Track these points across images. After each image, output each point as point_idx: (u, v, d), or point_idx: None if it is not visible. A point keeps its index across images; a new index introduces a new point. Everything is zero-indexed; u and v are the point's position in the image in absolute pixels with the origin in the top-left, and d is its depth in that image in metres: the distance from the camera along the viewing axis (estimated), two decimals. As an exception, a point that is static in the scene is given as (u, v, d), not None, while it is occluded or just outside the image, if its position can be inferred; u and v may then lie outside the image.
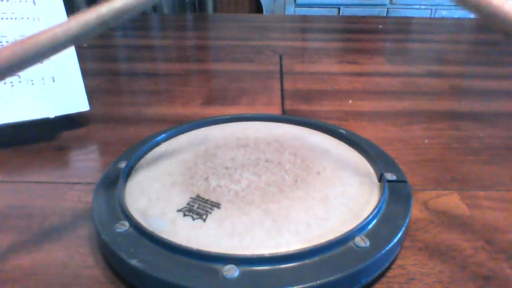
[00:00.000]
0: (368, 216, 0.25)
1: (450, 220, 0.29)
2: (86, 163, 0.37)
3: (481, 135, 0.42)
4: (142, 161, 0.33)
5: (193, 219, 0.25)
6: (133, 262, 0.22)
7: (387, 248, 0.23)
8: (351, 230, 0.24)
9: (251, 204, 0.27)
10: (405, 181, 0.30)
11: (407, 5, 2.13)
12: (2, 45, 0.38)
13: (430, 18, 2.01)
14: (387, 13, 2.15)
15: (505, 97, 0.55)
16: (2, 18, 0.38)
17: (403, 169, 0.32)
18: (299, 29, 1.12)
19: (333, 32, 1.07)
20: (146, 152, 0.34)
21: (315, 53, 0.80)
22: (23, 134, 0.41)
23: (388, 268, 0.24)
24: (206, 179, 0.30)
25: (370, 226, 0.25)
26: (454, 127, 0.44)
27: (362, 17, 1.51)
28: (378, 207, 0.26)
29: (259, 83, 0.60)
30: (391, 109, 0.50)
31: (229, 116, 0.41)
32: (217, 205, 0.27)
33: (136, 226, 0.24)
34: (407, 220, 0.26)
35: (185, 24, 1.19)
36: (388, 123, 0.46)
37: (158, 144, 0.36)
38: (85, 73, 0.42)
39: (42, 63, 0.19)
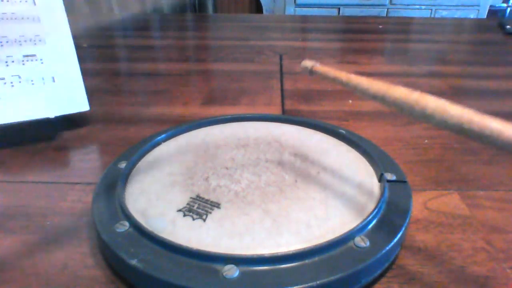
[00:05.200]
0: (368, 216, 0.25)
1: (450, 220, 0.29)
2: (86, 163, 0.37)
3: (481, 135, 0.42)
4: (142, 161, 0.33)
5: (193, 219, 0.25)
6: (133, 262, 0.22)
7: (387, 248, 0.23)
8: (351, 230, 0.24)
9: (251, 204, 0.27)
10: (405, 181, 0.30)
11: (407, 5, 2.13)
12: (2, 45, 0.38)
13: (430, 18, 2.01)
14: (387, 13, 2.15)
15: (505, 97, 0.55)
16: (2, 18, 0.38)
17: (403, 169, 0.32)
18: (299, 29, 1.12)
19: (333, 32, 1.07)
20: (146, 152, 0.34)
21: (315, 53, 0.80)
22: (23, 134, 0.41)
23: (388, 268, 0.24)
24: (206, 179, 0.30)
25: (370, 226, 0.25)
26: (454, 127, 0.44)
27: (362, 17, 1.51)
28: (378, 207, 0.26)
29: (259, 83, 0.60)
30: (391, 109, 0.50)
31: (229, 116, 0.41)
32: (217, 205, 0.27)
33: (136, 226, 0.24)
34: (407, 220, 0.26)
35: (185, 24, 1.19)
36: (388, 123, 0.46)
37: (158, 144, 0.36)
38: (85, 73, 0.42)
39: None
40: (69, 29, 0.41)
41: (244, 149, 0.34)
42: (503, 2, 2.48)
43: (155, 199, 0.27)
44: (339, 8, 2.14)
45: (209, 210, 0.26)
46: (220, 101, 0.53)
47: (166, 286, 0.21)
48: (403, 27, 1.14)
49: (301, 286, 0.21)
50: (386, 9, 2.15)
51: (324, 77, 0.29)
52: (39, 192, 0.32)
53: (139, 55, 0.78)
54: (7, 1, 0.38)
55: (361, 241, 0.23)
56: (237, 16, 1.56)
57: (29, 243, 0.26)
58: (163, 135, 0.36)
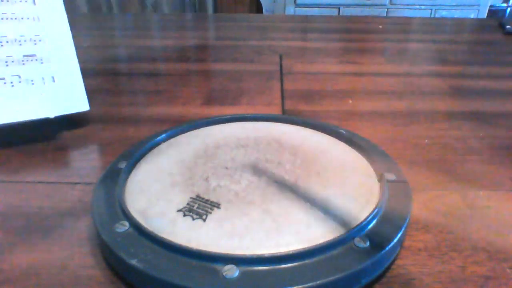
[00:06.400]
0: (368, 216, 0.25)
1: (450, 220, 0.29)
2: (86, 163, 0.37)
3: (481, 135, 0.42)
4: (142, 161, 0.33)
5: (193, 219, 0.25)
6: (133, 262, 0.22)
7: (387, 248, 0.23)
8: (351, 230, 0.24)
9: (251, 204, 0.27)
10: (405, 181, 0.30)
11: (407, 5, 2.13)
12: (2, 45, 0.38)
13: (430, 18, 2.01)
14: (387, 13, 2.15)
15: (505, 97, 0.55)
16: (2, 18, 0.38)
17: (403, 169, 0.32)
18: (299, 29, 1.12)
19: (333, 32, 1.07)
20: (146, 152, 0.34)
21: (315, 53, 0.80)
22: (23, 134, 0.41)
23: (388, 268, 0.24)
24: (206, 179, 0.30)
25: (370, 226, 0.25)
26: (454, 127, 0.44)
27: (362, 17, 1.51)
28: (378, 207, 0.26)
29: (259, 83, 0.60)
30: (391, 109, 0.50)
31: (229, 116, 0.41)
32: (217, 205, 0.27)
33: (136, 226, 0.24)
34: (407, 220, 0.26)
35: (185, 24, 1.19)
36: (388, 123, 0.46)
37: (158, 144, 0.36)
38: (85, 73, 0.42)
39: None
40: (69, 29, 0.41)
41: (244, 149, 0.34)
42: (503, 2, 2.48)
43: (155, 199, 0.27)
44: (339, 8, 2.14)
45: (209, 210, 0.26)
46: (220, 101, 0.53)
47: (166, 286, 0.21)
48: (403, 27, 1.14)
49: (301, 286, 0.21)
50: (386, 9, 2.14)
51: None
52: (39, 192, 0.32)
53: (139, 55, 0.78)
54: (7, 1, 0.38)
55: (361, 241, 0.23)
56: (237, 16, 1.56)
57: (29, 243, 0.26)
58: (163, 135, 0.36)
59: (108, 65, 0.72)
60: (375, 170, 0.31)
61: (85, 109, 0.42)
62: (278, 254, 0.22)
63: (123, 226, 0.24)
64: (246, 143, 0.35)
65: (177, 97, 0.54)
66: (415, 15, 2.12)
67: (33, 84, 0.39)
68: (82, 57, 0.42)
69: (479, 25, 1.21)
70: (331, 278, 0.21)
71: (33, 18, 0.40)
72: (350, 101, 0.52)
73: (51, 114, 0.40)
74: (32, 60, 0.39)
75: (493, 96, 0.55)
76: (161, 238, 0.23)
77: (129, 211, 0.25)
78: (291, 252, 0.22)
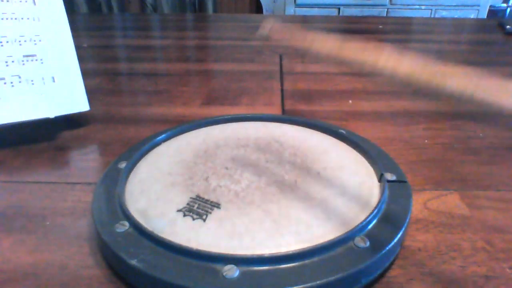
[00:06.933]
0: (368, 216, 0.25)
1: (450, 220, 0.29)
2: (86, 163, 0.37)
3: (481, 135, 0.42)
4: (142, 161, 0.33)
5: (193, 219, 0.25)
6: (133, 262, 0.22)
7: (387, 248, 0.23)
8: (351, 230, 0.24)
9: (251, 205, 0.27)
10: (405, 181, 0.30)
11: (407, 5, 2.13)
12: (2, 45, 0.38)
13: (430, 18, 2.01)
14: (387, 13, 2.15)
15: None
16: (2, 18, 0.38)
17: (403, 169, 0.32)
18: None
19: (333, 32, 1.07)
20: (146, 152, 0.34)
21: (315, 53, 0.80)
22: (23, 134, 0.41)
23: (388, 268, 0.24)
24: (206, 179, 0.30)
25: (370, 226, 0.25)
26: (454, 127, 0.44)
27: (362, 17, 1.51)
28: (378, 207, 0.26)
29: (259, 83, 0.60)
30: (391, 109, 0.50)
31: (229, 116, 0.41)
32: (217, 205, 0.27)
33: (136, 226, 0.24)
34: (407, 220, 0.26)
35: (185, 24, 1.19)
36: (388, 123, 0.46)
37: (158, 144, 0.36)
38: (85, 73, 0.42)
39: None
40: (69, 29, 0.41)
41: (244, 149, 0.34)
42: (503, 2, 2.48)
43: (155, 199, 0.27)
44: (339, 8, 2.14)
45: (209, 210, 0.26)
46: (220, 101, 0.53)
47: (166, 286, 0.21)
48: (403, 27, 1.14)
49: (301, 286, 0.21)
50: (386, 9, 2.14)
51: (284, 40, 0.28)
52: (39, 192, 0.32)
53: (139, 55, 0.78)
54: (7, 1, 0.38)
55: (361, 241, 0.23)
56: (237, 16, 1.56)
57: (29, 243, 0.26)
58: (163, 135, 0.36)
59: (108, 65, 0.72)
60: (375, 170, 0.31)
61: (85, 109, 0.42)
62: (278, 254, 0.22)
63: (123, 226, 0.24)
64: (246, 143, 0.35)
65: (177, 97, 0.54)
66: (415, 15, 2.12)
67: (33, 84, 0.39)
68: (82, 57, 0.42)
69: (479, 25, 1.21)
70: (331, 278, 0.21)
71: (33, 18, 0.40)
72: (350, 101, 0.52)
73: (51, 114, 0.40)
74: (32, 60, 0.39)
75: (493, 96, 0.55)
76: (161, 238, 0.23)
77: (129, 211, 0.25)
78: (291, 252, 0.22)
